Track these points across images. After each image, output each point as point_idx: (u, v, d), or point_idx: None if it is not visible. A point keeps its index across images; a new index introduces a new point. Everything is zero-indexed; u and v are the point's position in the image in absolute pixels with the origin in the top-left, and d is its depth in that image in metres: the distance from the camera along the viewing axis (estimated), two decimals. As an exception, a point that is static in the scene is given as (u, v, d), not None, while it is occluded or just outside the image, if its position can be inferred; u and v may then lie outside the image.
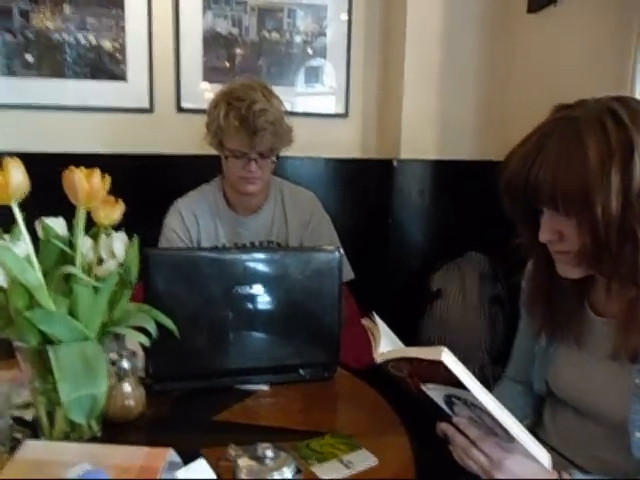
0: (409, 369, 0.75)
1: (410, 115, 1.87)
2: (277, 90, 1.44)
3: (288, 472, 0.67)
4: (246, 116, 1.33)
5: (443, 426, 0.78)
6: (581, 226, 0.73)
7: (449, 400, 0.75)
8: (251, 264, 1.03)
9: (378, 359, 0.81)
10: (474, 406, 0.71)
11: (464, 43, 1.87)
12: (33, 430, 0.81)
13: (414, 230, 1.95)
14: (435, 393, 0.76)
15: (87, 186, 0.73)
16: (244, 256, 1.05)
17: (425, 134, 1.90)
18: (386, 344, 0.84)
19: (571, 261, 0.77)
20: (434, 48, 1.85)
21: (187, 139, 1.81)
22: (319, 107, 2.00)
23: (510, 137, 1.91)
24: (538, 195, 0.74)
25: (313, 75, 1.97)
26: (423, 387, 0.76)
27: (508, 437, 0.71)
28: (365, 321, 0.92)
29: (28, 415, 0.85)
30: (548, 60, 1.66)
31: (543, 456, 0.72)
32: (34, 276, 0.72)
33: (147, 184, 1.80)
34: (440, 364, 0.68)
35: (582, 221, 0.72)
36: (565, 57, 1.58)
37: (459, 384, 0.69)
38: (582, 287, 0.85)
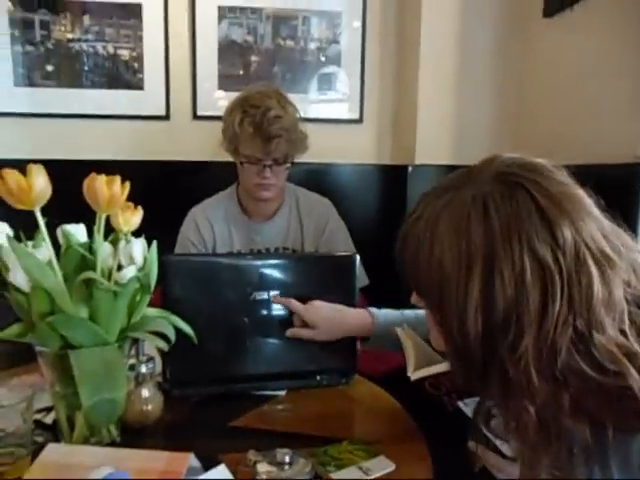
0: (448, 386, 0.72)
1: (425, 120, 1.87)
2: (291, 97, 1.45)
3: (307, 478, 0.67)
4: (260, 123, 1.34)
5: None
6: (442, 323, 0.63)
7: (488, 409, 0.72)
8: (267, 270, 1.03)
9: (413, 376, 0.74)
10: None
11: (479, 48, 1.86)
12: (53, 434, 0.82)
13: (429, 236, 1.93)
14: (471, 409, 0.72)
15: (108, 193, 0.74)
16: (261, 262, 1.06)
17: (440, 139, 1.89)
18: (420, 359, 0.79)
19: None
20: (449, 53, 1.85)
21: (203, 146, 1.83)
22: (333, 113, 2.01)
23: (525, 142, 1.92)
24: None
25: (327, 82, 1.98)
26: (460, 404, 0.73)
27: None
28: (399, 331, 0.87)
29: (48, 419, 0.86)
30: (564, 65, 1.65)
31: None
32: (56, 281, 0.73)
33: (163, 190, 1.81)
34: None
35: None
36: (581, 62, 1.57)
37: None
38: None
